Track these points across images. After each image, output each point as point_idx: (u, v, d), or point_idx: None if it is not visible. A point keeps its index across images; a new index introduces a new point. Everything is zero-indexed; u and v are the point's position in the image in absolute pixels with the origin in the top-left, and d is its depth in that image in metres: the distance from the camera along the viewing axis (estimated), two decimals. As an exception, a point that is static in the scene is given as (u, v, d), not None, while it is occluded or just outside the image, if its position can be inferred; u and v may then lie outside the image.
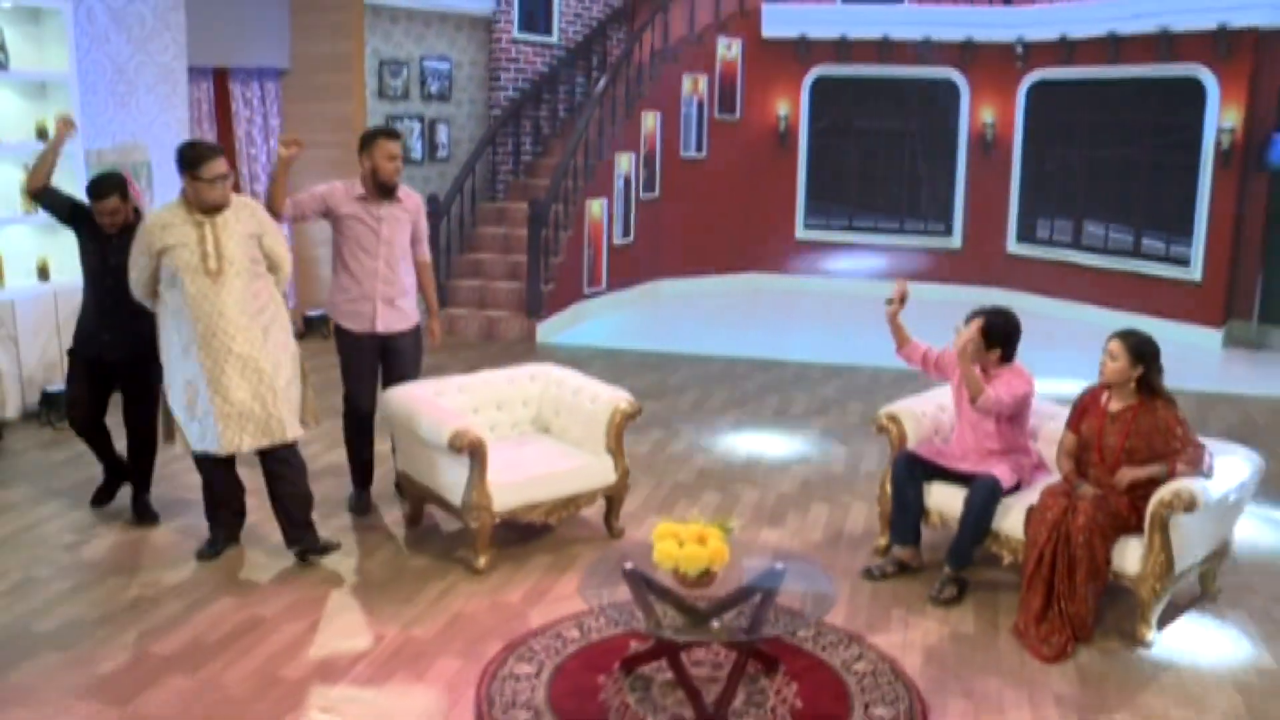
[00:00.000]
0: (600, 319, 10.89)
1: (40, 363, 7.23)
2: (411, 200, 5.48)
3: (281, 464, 4.94)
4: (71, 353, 5.44)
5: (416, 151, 11.11)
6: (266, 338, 4.83)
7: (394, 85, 10.79)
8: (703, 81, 12.40)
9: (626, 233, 11.57)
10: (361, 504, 5.65)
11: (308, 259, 10.00)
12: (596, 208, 10.95)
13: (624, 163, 11.35)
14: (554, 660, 4.11)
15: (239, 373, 4.76)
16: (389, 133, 5.37)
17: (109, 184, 5.16)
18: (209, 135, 9.22)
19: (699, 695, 3.68)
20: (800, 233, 13.27)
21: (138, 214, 5.30)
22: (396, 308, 5.42)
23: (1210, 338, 10.31)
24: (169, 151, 8.27)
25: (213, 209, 4.73)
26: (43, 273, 7.40)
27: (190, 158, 4.70)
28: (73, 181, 7.33)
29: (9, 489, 5.89)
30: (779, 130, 12.96)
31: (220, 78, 9.44)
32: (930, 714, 3.81)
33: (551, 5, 12.31)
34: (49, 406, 7.05)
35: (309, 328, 9.76)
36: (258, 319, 4.81)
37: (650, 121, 11.80)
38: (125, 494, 5.59)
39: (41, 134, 7.26)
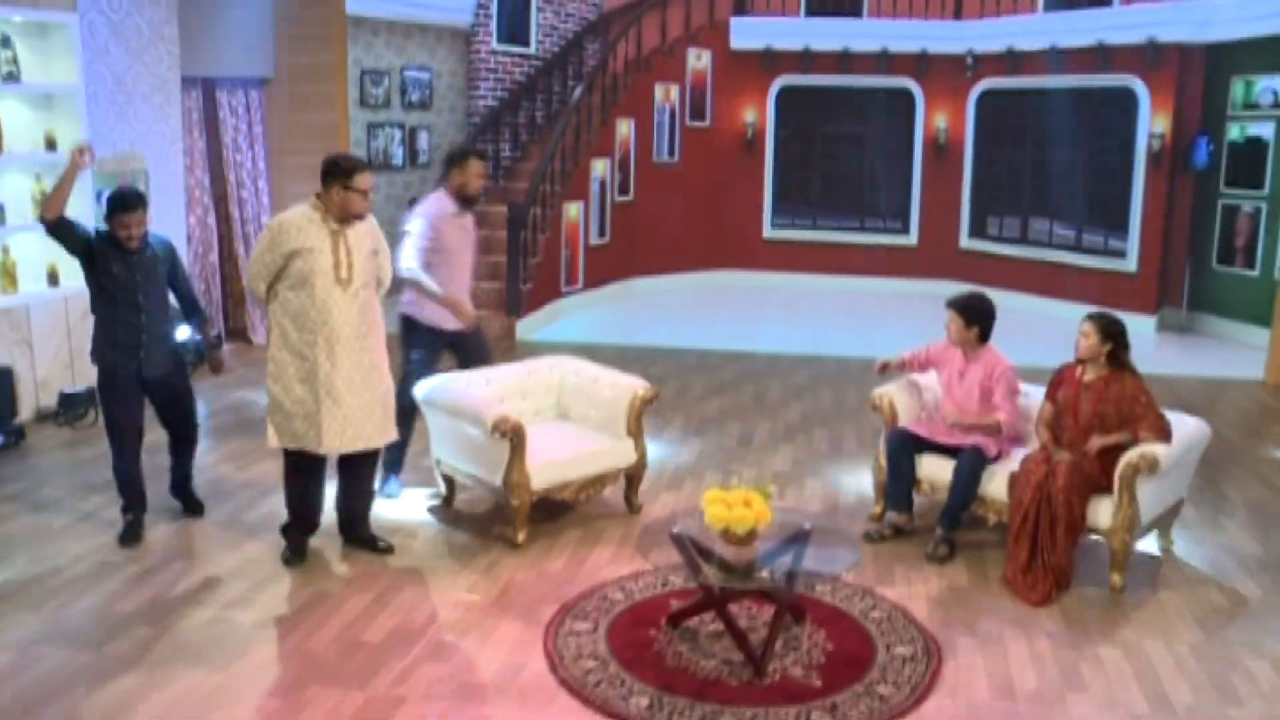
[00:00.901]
0: (578, 316, 11.07)
1: (53, 365, 7.28)
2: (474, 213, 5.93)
3: (363, 463, 5.10)
4: (108, 374, 5.22)
5: (398, 158, 11.29)
6: (375, 348, 4.95)
7: (375, 94, 10.95)
8: (674, 90, 12.63)
9: (602, 234, 11.77)
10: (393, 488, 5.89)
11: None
12: (573, 210, 11.13)
13: (599, 167, 11.54)
14: (606, 619, 4.46)
15: (352, 379, 4.85)
16: (480, 153, 5.80)
17: (136, 197, 5.11)
18: (199, 143, 9.19)
19: (747, 639, 4.08)
20: (767, 232, 13.58)
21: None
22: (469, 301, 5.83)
23: (1145, 324, 10.79)
24: (164, 159, 8.44)
25: (353, 218, 4.80)
26: (52, 278, 7.40)
27: (345, 168, 4.75)
28: (79, 192, 7.15)
29: (48, 486, 6.00)
30: (747, 136, 13.24)
31: (208, 87, 9.41)
32: (943, 650, 4.25)
33: (529, 18, 12.46)
34: (66, 407, 7.11)
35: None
36: (372, 330, 4.93)
37: (624, 128, 12.00)
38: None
39: (50, 144, 7.27)
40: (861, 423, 7.39)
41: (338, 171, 4.76)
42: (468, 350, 5.92)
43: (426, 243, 5.60)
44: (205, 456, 6.37)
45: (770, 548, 4.20)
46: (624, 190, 12.19)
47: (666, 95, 12.58)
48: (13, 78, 7.01)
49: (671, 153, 12.80)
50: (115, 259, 5.12)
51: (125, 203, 5.09)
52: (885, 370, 5.76)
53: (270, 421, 4.95)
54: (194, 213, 9.16)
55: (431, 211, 5.68)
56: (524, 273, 10.37)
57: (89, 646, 4.19)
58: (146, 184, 8.33)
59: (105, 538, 5.24)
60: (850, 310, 11.98)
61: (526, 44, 12.51)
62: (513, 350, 9.49)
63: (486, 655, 4.18)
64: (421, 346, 5.80)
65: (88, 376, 7.40)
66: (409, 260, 5.56)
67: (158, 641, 4.23)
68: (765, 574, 4.16)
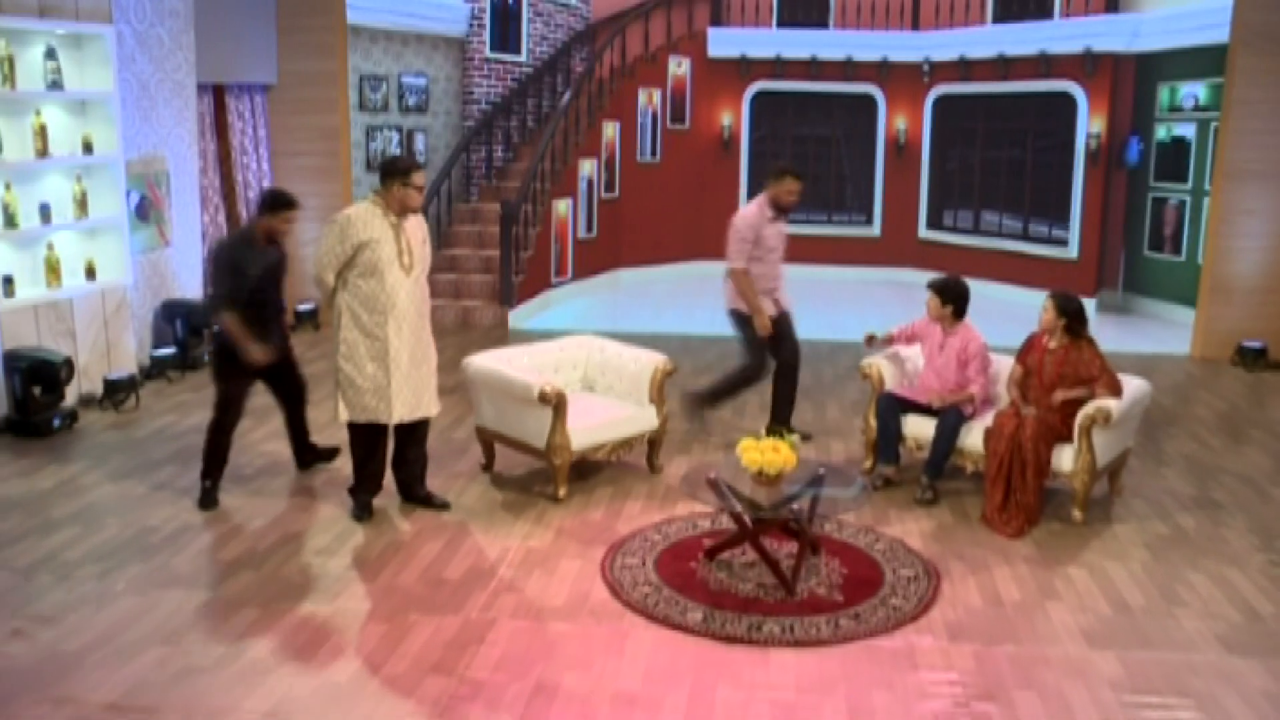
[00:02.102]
0: (567, 305, 11.38)
1: (92, 354, 7.47)
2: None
3: (419, 430, 5.52)
4: (237, 365, 5.55)
5: None
6: (428, 327, 5.39)
7: (374, 99, 11.21)
8: (656, 95, 13.02)
9: (589, 228, 12.16)
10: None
11: (296, 256, 9.64)
12: (562, 207, 11.49)
13: (587, 167, 11.91)
14: (651, 555, 5.03)
15: (415, 354, 5.28)
16: (795, 173, 6.52)
17: (290, 195, 5.67)
18: (210, 146, 9.33)
19: (778, 564, 4.68)
20: None
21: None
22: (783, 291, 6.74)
23: (1086, 306, 11.34)
24: (182, 161, 8.73)
25: (410, 212, 5.20)
26: (90, 273, 7.59)
27: (403, 166, 5.14)
28: (114, 190, 7.57)
29: (114, 461, 6.26)
30: (723, 138, 13.69)
31: (218, 92, 9.50)
32: (939, 572, 4.87)
33: (520, 27, 12.72)
34: (110, 392, 7.35)
35: (299, 320, 9.85)
36: (426, 312, 5.36)
37: (610, 130, 12.36)
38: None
39: (88, 148, 7.42)
40: (841, 395, 7.96)
41: (397, 171, 5.17)
42: (784, 332, 6.81)
43: (750, 246, 6.44)
44: (252, 434, 6.74)
45: (792, 488, 4.79)
46: (610, 188, 12.57)
47: (649, 100, 12.96)
48: (56, 86, 7.18)
49: (654, 153, 13.17)
50: (252, 261, 5.55)
51: (289, 200, 5.64)
52: (871, 343, 6.35)
53: (341, 398, 5.29)
54: (206, 211, 9.33)
55: (752, 215, 6.44)
56: (516, 265, 10.68)
57: (204, 588, 4.65)
58: (167, 184, 8.51)
59: (183, 503, 5.61)
60: (820, 296, 12.37)
61: (518, 52, 12.79)
62: (505, 338, 9.70)
63: (554, 587, 4.71)
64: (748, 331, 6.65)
65: (125, 364, 7.77)
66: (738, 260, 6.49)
67: (264, 583, 4.70)
68: (790, 507, 4.75)
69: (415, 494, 5.64)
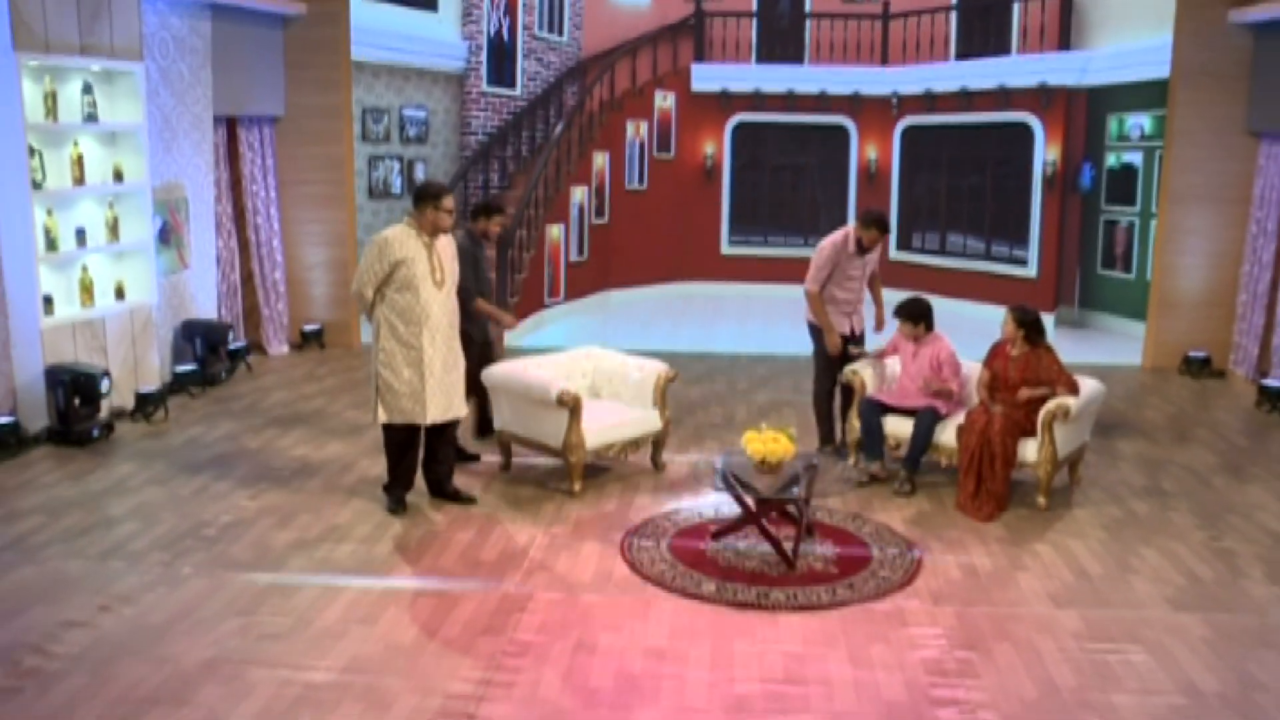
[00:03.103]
0: (560, 325, 11.77)
1: (122, 369, 7.77)
2: (877, 249, 7.09)
3: (448, 431, 5.95)
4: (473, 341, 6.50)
5: (396, 187, 11.97)
6: (457, 336, 5.82)
7: (376, 130, 11.63)
8: (643, 126, 13.52)
9: (581, 252, 12.58)
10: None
11: (301, 280, 10.31)
12: (555, 231, 11.92)
13: (578, 194, 12.37)
14: (664, 539, 5.52)
15: (447, 361, 5.70)
16: (882, 225, 6.91)
17: (501, 202, 6.42)
18: (223, 174, 9.58)
19: (780, 542, 5.19)
20: (725, 248, 14.49)
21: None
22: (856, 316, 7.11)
23: (1045, 320, 11.70)
24: (199, 189, 9.15)
25: (441, 232, 5.66)
26: (119, 293, 7.95)
27: (435, 192, 5.62)
28: (142, 216, 7.94)
29: (157, 466, 6.63)
30: (706, 166, 14.20)
31: (231, 124, 9.73)
32: (922, 551, 5.41)
33: (515, 63, 13.21)
34: (141, 405, 7.70)
35: (304, 340, 10.16)
36: (455, 323, 5.81)
37: (600, 160, 12.83)
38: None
39: (118, 176, 7.80)
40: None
41: (429, 195, 5.65)
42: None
43: (826, 274, 6.92)
44: (280, 441, 7.17)
45: (789, 476, 5.33)
46: (600, 213, 13.02)
47: (636, 131, 13.46)
48: (91, 118, 7.56)
49: (641, 180, 13.63)
50: (483, 252, 6.77)
51: (501, 207, 6.74)
52: (854, 357, 6.87)
53: (380, 402, 5.68)
54: (220, 236, 9.63)
55: (833, 247, 6.92)
56: (512, 287, 11.05)
57: (265, 571, 5.07)
58: (186, 210, 8.86)
59: (229, 501, 6.01)
60: (797, 314, 12.75)
61: (513, 86, 13.25)
62: (503, 356, 10.01)
63: (580, 566, 5.20)
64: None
65: (151, 380, 8.10)
66: (812, 284, 6.96)
67: (319, 565, 5.15)
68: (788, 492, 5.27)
69: (444, 490, 6.07)
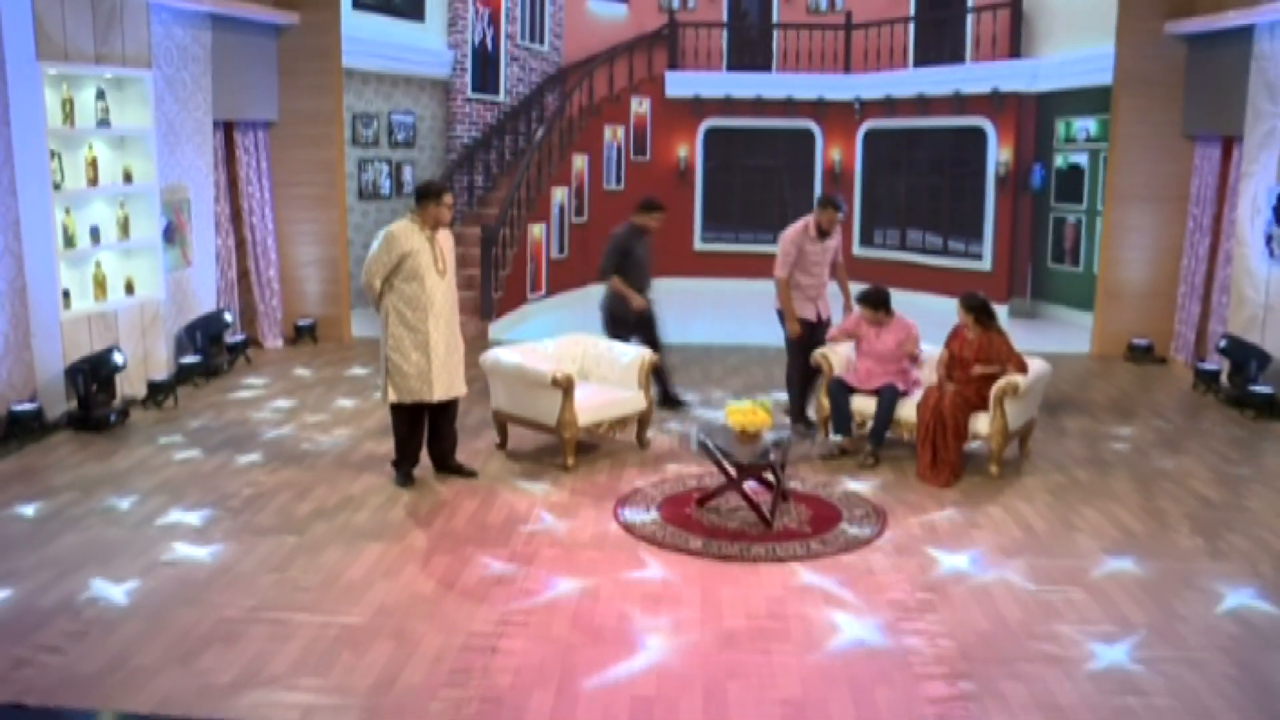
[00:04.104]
0: (542, 319, 11.95)
1: (132, 360, 8.02)
2: (838, 234, 7.65)
3: (451, 409, 6.33)
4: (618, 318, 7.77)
5: (385, 189, 12.23)
6: (457, 322, 6.23)
7: (366, 134, 11.88)
8: (620, 131, 13.86)
9: (562, 249, 12.87)
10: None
11: (294, 277, 10.54)
12: (537, 230, 12.19)
13: (559, 194, 12.66)
14: (652, 504, 5.96)
15: (449, 343, 6.10)
16: (835, 205, 7.48)
17: (660, 200, 7.43)
18: (221, 176, 9.81)
19: (759, 507, 5.65)
20: (698, 245, 14.85)
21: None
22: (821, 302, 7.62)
23: (999, 311, 11.73)
24: (200, 190, 9.45)
25: (441, 226, 6.05)
26: (129, 288, 8.26)
27: (436, 190, 6.02)
28: (150, 216, 8.25)
29: (174, 448, 6.95)
30: (680, 168, 14.59)
31: (228, 128, 9.83)
32: (887, 513, 5.88)
33: (499, 70, 13.51)
34: (153, 393, 8.01)
35: (298, 335, 10.38)
36: (455, 308, 6.20)
37: (579, 162, 13.13)
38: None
39: (128, 178, 8.10)
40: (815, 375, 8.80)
41: (431, 193, 6.05)
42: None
43: (791, 261, 7.47)
44: (287, 425, 7.51)
45: (766, 445, 5.79)
46: (579, 213, 13.33)
47: (614, 135, 13.81)
48: (104, 123, 7.89)
49: (619, 181, 13.98)
50: (638, 242, 7.83)
51: (661, 206, 7.89)
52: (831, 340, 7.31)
53: (390, 383, 6.06)
54: (219, 235, 9.87)
55: (795, 234, 7.45)
56: (495, 283, 11.30)
57: (291, 534, 5.46)
58: (189, 211, 9.12)
59: (248, 476, 6.37)
60: (766, 307, 13.03)
61: (497, 93, 13.54)
62: (486, 348, 10.34)
63: (578, 528, 5.63)
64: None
65: (159, 370, 8.40)
66: (780, 271, 7.49)
67: (340, 530, 5.54)
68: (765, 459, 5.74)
69: (448, 464, 6.46)
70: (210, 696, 3.85)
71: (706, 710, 3.83)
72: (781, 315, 7.67)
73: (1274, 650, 4.36)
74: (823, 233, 7.52)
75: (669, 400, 8.09)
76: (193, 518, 5.69)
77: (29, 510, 5.75)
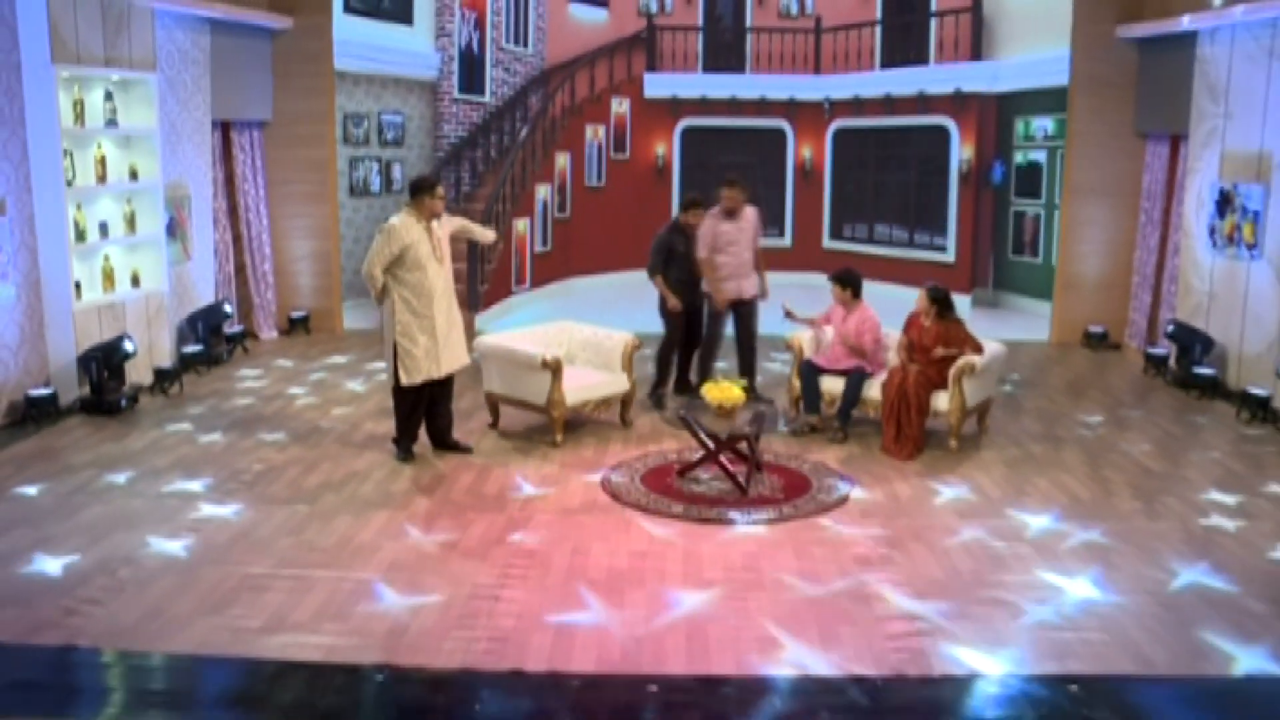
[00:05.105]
0: (526, 310, 12.16)
1: (141, 348, 8.24)
2: (753, 215, 8.02)
3: (449, 386, 6.68)
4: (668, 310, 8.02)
5: (375, 186, 12.39)
6: (455, 301, 6.59)
7: (357, 133, 12.05)
8: (601, 130, 14.08)
9: (545, 243, 13.08)
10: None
11: (288, 271, 10.71)
12: (521, 225, 12.37)
13: (542, 191, 12.87)
14: (636, 475, 6.35)
15: (450, 322, 6.46)
16: (728, 181, 8.00)
17: (701, 198, 7.88)
18: (220, 175, 10.02)
19: (735, 476, 6.06)
20: None
21: None
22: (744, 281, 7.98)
23: (963, 301, 12.18)
24: (200, 187, 9.74)
25: (435, 217, 6.39)
26: (135, 281, 8.54)
27: (430, 184, 6.38)
28: (154, 212, 8.54)
29: (185, 429, 7.26)
30: (658, 165, 14.83)
31: (225, 128, 10.02)
32: (854, 482, 6.30)
33: (485, 72, 13.72)
34: (159, 380, 8.28)
35: (292, 326, 10.59)
36: (453, 290, 6.58)
37: (562, 160, 13.35)
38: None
39: (134, 175, 8.36)
40: (765, 371, 9.17)
41: (426, 187, 6.41)
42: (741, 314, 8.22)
43: (708, 242, 7.89)
44: (289, 408, 7.81)
45: (742, 420, 6.19)
46: (562, 209, 13.55)
47: (595, 134, 14.04)
48: (112, 123, 8.17)
49: (599, 179, 14.21)
50: (679, 241, 7.99)
51: (700, 202, 8.10)
52: (789, 317, 7.60)
53: (401, 367, 6.36)
54: (216, 230, 10.09)
55: (712, 216, 7.97)
56: (481, 275, 11.48)
57: (303, 504, 5.80)
58: (189, 207, 9.37)
59: (258, 454, 6.68)
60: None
61: (482, 93, 13.75)
62: (472, 339, 10.43)
63: (568, 496, 6.01)
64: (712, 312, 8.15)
65: (164, 359, 8.68)
66: (701, 251, 7.90)
67: (348, 501, 5.88)
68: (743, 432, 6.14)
69: (446, 441, 6.82)
70: (243, 639, 4.21)
71: (690, 648, 4.23)
72: (695, 296, 8.15)
73: (1194, 593, 4.81)
74: (729, 212, 7.94)
75: (685, 384, 8.34)
76: (210, 490, 6.02)
77: (55, 485, 6.06)
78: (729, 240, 7.95)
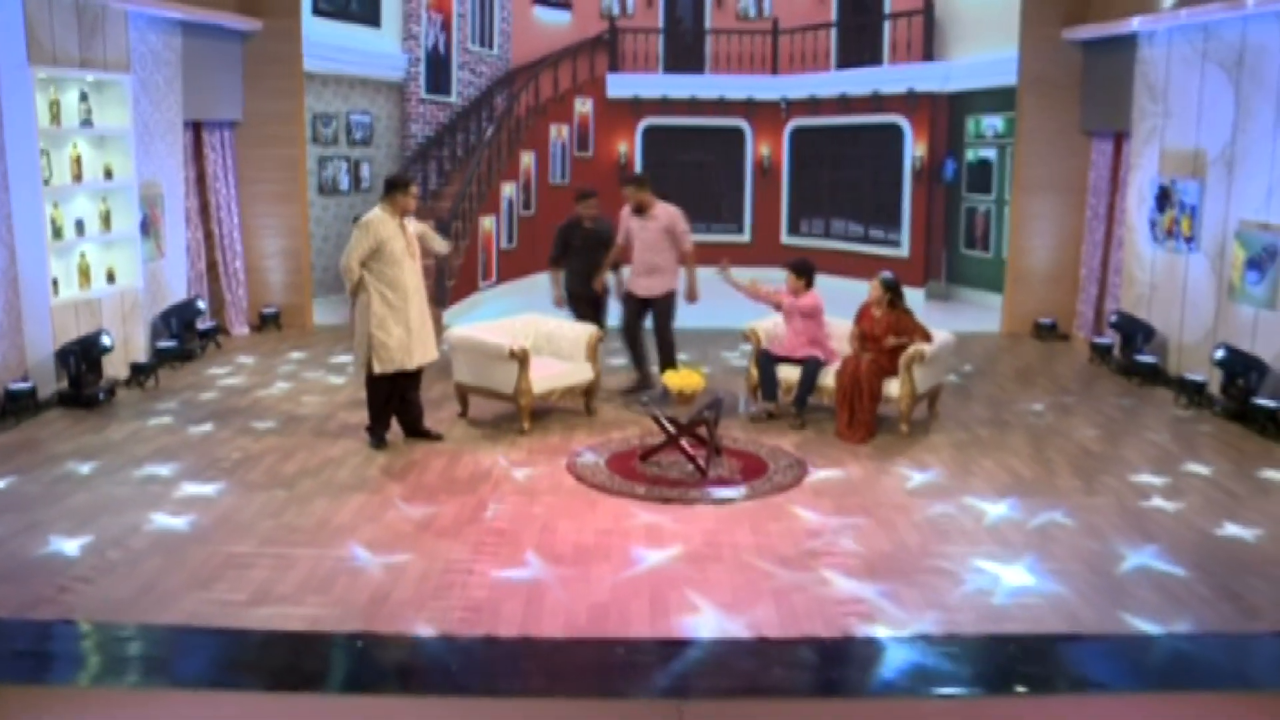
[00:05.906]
0: (493, 305, 12.24)
1: (117, 343, 8.29)
2: (665, 214, 8.13)
3: (418, 378, 6.86)
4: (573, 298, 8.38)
5: (344, 185, 12.52)
6: (425, 295, 6.79)
7: (326, 133, 12.15)
8: (565, 129, 14.31)
9: (511, 240, 13.29)
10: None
11: (260, 267, 10.82)
12: (488, 222, 12.62)
13: (508, 189, 13.08)
14: (601, 459, 6.58)
15: (421, 315, 6.66)
16: (631, 180, 8.24)
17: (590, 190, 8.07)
18: (193, 174, 10.11)
19: (695, 457, 6.31)
20: None
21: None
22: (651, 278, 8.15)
23: (916, 294, 12.51)
24: (173, 186, 9.85)
25: (408, 214, 6.61)
26: (110, 278, 8.59)
27: (403, 181, 6.62)
28: (129, 210, 8.63)
29: (165, 420, 7.39)
30: (620, 163, 14.99)
31: (197, 128, 10.09)
32: (809, 465, 6.56)
33: (451, 73, 13.87)
34: (136, 373, 8.38)
35: (263, 322, 10.67)
36: (424, 286, 6.78)
37: (527, 159, 13.56)
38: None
39: (108, 174, 8.43)
40: (725, 365, 9.44)
41: (400, 185, 6.63)
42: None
43: (625, 233, 8.17)
44: (264, 400, 7.96)
45: (700, 406, 6.46)
46: (527, 206, 13.76)
47: (559, 133, 14.27)
48: (87, 123, 8.24)
49: (564, 176, 14.42)
50: (577, 232, 8.37)
51: (590, 194, 8.36)
52: (723, 273, 7.83)
53: (375, 357, 6.56)
54: (189, 228, 10.15)
55: (624, 215, 8.21)
56: (449, 272, 11.65)
57: (281, 490, 5.98)
58: (162, 205, 9.45)
59: (237, 442, 6.84)
60: (704, 292, 13.76)
61: (449, 94, 13.89)
62: (440, 334, 10.59)
63: (536, 479, 6.24)
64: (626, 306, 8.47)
65: (138, 354, 8.78)
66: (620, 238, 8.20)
67: (325, 485, 6.07)
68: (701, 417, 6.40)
69: (417, 429, 7.01)
70: (231, 611, 4.41)
71: (653, 612, 4.49)
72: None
73: (1124, 562, 5.15)
74: (638, 209, 8.17)
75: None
76: (190, 478, 6.18)
77: (39, 474, 6.20)
78: (634, 236, 8.22)
